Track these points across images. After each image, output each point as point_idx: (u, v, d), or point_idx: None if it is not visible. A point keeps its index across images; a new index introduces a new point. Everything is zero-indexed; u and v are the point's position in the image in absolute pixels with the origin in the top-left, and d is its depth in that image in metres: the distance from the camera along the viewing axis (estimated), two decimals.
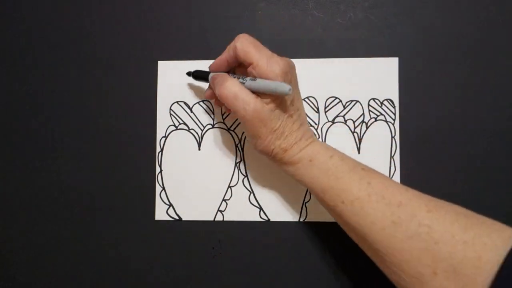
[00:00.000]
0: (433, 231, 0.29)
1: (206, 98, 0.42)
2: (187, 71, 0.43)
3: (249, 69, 0.35)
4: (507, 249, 0.26)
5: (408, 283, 0.29)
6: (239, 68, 0.38)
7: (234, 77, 0.36)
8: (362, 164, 0.35)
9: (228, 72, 0.38)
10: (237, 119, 0.43)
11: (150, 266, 0.43)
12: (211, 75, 0.39)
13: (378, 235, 0.31)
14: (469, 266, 0.27)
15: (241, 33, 0.35)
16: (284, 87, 0.32)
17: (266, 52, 0.34)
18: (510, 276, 0.25)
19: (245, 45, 0.34)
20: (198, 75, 0.41)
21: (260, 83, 0.34)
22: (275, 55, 0.34)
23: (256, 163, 0.43)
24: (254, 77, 0.34)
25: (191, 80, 0.43)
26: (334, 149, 0.36)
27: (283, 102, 0.35)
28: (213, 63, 0.39)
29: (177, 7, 0.44)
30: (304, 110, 0.38)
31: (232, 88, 0.34)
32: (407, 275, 0.29)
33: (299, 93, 0.37)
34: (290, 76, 0.35)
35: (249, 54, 0.34)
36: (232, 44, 0.36)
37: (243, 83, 0.35)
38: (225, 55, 0.37)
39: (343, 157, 0.35)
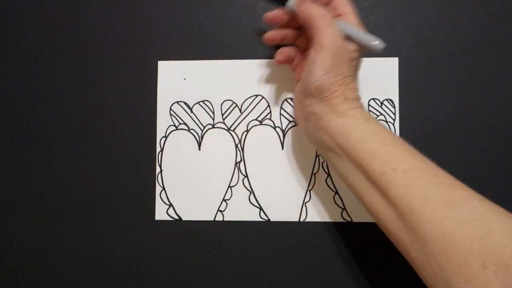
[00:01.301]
0: (488, 220, 0.26)
1: (267, 19, 0.38)
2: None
3: (341, 17, 0.35)
4: None
5: (451, 274, 0.26)
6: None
7: None
8: None
9: None
10: (237, 119, 0.43)
11: (150, 266, 0.43)
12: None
13: (429, 213, 0.28)
14: None
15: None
16: (378, 40, 0.33)
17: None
18: None
19: None
20: None
21: (353, 28, 0.34)
22: None
23: (256, 163, 0.43)
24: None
25: (191, 80, 0.43)
26: None
27: (359, 61, 0.35)
28: None
29: (177, 7, 0.44)
30: None
31: (325, 12, 0.34)
32: (452, 264, 0.26)
33: None
34: None
35: (347, 4, 0.35)
36: None
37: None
38: None
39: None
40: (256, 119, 0.43)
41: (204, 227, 0.43)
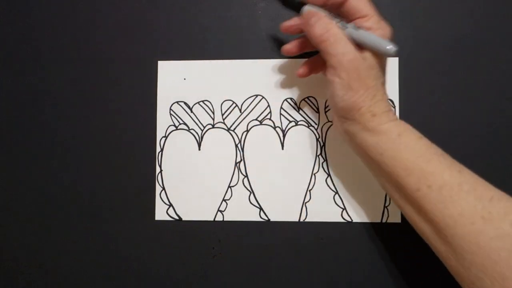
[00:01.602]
0: None
1: (282, 29, 0.38)
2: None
3: (358, 21, 0.33)
4: None
5: (488, 285, 0.27)
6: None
7: (333, 19, 0.34)
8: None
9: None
10: (237, 119, 0.43)
11: (150, 266, 0.43)
12: (307, 8, 0.36)
13: (465, 229, 0.28)
14: None
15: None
16: (389, 45, 0.31)
17: (377, 14, 0.34)
18: None
19: None
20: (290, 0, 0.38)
21: (363, 34, 0.33)
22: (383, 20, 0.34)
23: (256, 163, 0.43)
24: (357, 27, 0.33)
25: (191, 80, 0.43)
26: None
27: (380, 65, 0.33)
28: None
29: (177, 7, 0.44)
30: None
31: (336, 32, 0.32)
32: (489, 277, 0.27)
33: None
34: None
35: (365, 6, 0.33)
36: None
37: (343, 30, 0.33)
38: None
39: (431, 142, 0.32)
40: (256, 119, 0.43)
41: (204, 227, 0.43)
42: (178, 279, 0.43)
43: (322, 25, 0.33)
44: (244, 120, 0.43)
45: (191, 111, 0.44)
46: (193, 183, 0.43)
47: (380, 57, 0.34)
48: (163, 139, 0.44)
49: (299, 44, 0.38)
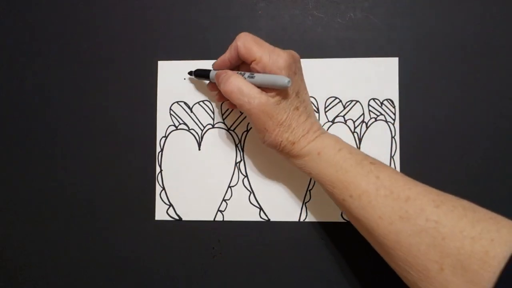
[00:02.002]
0: (441, 227, 0.28)
1: (208, 90, 0.42)
2: (187, 71, 0.43)
3: (252, 65, 0.35)
4: None
5: (415, 278, 0.29)
6: (243, 65, 0.39)
7: (237, 73, 0.36)
8: (371, 157, 0.34)
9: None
10: (237, 119, 0.43)
11: (150, 266, 0.43)
12: (213, 72, 0.39)
13: (385, 229, 0.31)
14: (476, 261, 0.26)
15: (241, 33, 0.36)
16: (283, 80, 0.32)
17: (268, 47, 0.35)
18: None
19: (246, 42, 0.35)
20: (199, 73, 0.41)
21: (258, 78, 0.34)
22: (277, 49, 0.35)
23: (256, 163, 0.43)
24: (253, 73, 0.35)
25: (191, 80, 0.43)
26: (343, 142, 0.35)
27: (287, 94, 0.35)
28: (215, 62, 0.39)
29: (177, 7, 0.44)
30: (311, 102, 0.37)
31: (236, 83, 0.34)
32: (414, 270, 0.29)
33: (305, 85, 0.37)
34: (294, 68, 0.35)
35: (251, 51, 0.34)
36: (233, 43, 0.36)
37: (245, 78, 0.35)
38: (227, 55, 0.37)
39: (352, 150, 0.34)
40: None
41: (204, 227, 0.43)
42: (178, 279, 0.43)
43: (227, 81, 0.35)
44: (244, 120, 0.43)
45: (191, 111, 0.44)
46: (193, 183, 0.43)
47: (283, 92, 0.35)
48: (163, 139, 0.44)
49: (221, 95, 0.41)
